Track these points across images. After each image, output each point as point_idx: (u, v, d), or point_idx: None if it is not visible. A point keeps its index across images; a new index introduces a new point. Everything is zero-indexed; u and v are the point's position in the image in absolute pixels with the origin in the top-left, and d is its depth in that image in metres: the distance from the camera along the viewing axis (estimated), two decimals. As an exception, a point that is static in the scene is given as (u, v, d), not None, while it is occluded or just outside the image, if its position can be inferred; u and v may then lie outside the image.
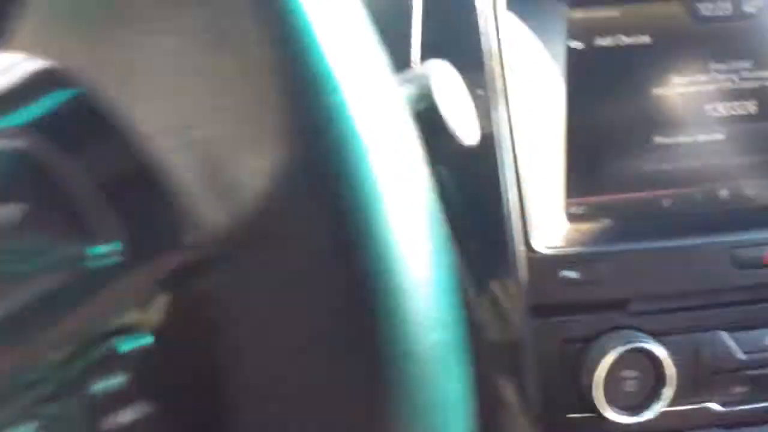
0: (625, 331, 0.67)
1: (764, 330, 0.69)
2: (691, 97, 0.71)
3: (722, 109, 0.72)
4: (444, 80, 0.41)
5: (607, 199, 0.72)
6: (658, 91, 0.71)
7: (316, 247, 0.31)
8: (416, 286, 0.30)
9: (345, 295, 0.30)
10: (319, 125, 0.30)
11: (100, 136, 0.34)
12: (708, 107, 0.72)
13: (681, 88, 0.71)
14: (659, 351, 0.66)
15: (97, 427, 0.34)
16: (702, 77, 0.71)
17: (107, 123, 0.33)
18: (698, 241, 0.68)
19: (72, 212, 0.33)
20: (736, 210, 0.73)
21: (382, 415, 0.30)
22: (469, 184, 0.66)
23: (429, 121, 0.40)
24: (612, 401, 0.65)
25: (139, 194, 0.34)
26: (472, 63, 0.64)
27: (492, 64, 0.64)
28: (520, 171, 0.65)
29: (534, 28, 0.66)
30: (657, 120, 0.71)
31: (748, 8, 0.70)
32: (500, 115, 0.64)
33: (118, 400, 0.34)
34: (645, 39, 0.70)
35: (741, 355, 0.68)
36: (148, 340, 0.35)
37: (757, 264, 0.67)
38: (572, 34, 0.68)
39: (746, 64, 0.71)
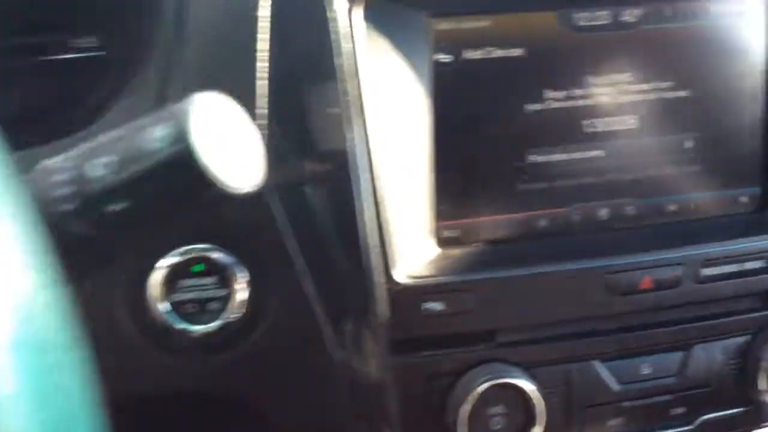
0: (493, 365, 0.63)
1: (640, 359, 0.66)
2: (566, 112, 0.67)
3: (600, 124, 0.68)
4: (209, 117, 0.35)
5: (481, 221, 0.67)
6: (532, 106, 0.66)
7: None
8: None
9: None
10: None
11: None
12: (585, 123, 0.68)
13: (557, 103, 0.67)
14: (528, 385, 0.62)
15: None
16: (579, 91, 0.67)
17: None
18: (571, 266, 0.64)
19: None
20: (615, 231, 0.69)
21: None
22: (325, 212, 0.60)
23: (182, 167, 0.34)
24: (478, 440, 0.62)
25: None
26: (325, 79, 0.59)
27: (346, 79, 0.58)
28: (381, 195, 0.60)
29: (395, 41, 0.61)
30: (531, 137, 0.67)
31: (626, 18, 0.66)
32: (356, 135, 0.59)
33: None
34: (518, 51, 0.65)
35: (616, 386, 0.65)
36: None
37: (633, 290, 0.64)
38: (438, 47, 0.63)
39: (625, 77, 0.68)
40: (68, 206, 0.36)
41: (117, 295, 0.58)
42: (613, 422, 0.65)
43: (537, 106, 0.66)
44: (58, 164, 0.37)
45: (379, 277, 0.60)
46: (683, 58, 0.68)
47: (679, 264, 0.65)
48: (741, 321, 0.67)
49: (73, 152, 0.38)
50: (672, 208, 0.71)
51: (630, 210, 0.70)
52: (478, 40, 0.64)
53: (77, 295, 0.30)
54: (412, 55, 0.62)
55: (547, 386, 0.64)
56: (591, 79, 0.67)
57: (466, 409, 0.60)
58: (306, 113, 0.59)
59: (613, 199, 0.70)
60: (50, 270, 0.28)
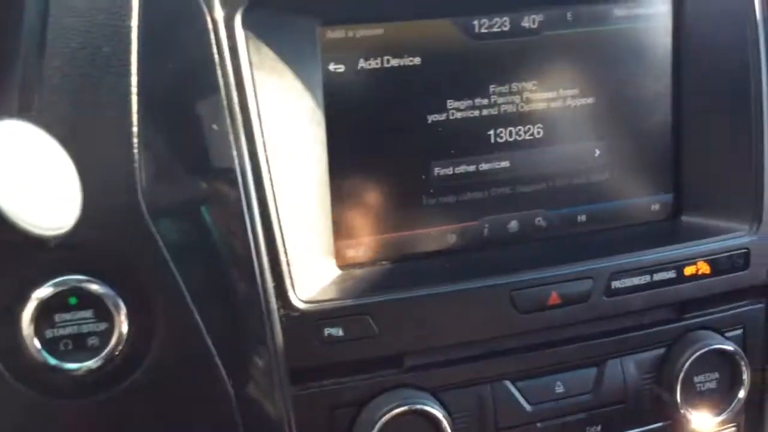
0: (400, 391, 0.60)
1: (553, 377, 0.63)
2: (471, 122, 0.64)
3: (506, 134, 0.66)
4: (5, 151, 0.31)
5: (385, 238, 0.64)
6: (434, 117, 0.63)
7: None
8: None
9: None
10: None
11: None
12: (490, 133, 0.65)
13: (459, 113, 0.64)
14: (437, 411, 0.59)
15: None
16: (482, 100, 0.64)
17: None
18: (477, 284, 0.61)
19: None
20: (525, 244, 0.67)
21: None
22: (213, 235, 0.56)
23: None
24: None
25: None
26: (205, 92, 0.55)
27: (229, 92, 0.54)
28: (273, 214, 0.56)
29: (282, 51, 0.57)
30: (436, 149, 0.64)
31: (527, 24, 0.64)
32: (243, 151, 0.55)
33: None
34: (415, 60, 0.62)
35: (528, 407, 0.63)
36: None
37: (540, 306, 0.61)
38: (330, 57, 0.60)
39: (529, 85, 0.65)
40: None
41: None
42: (528, 444, 0.62)
43: (439, 117, 0.64)
44: None
45: (274, 303, 0.57)
46: (588, 64, 0.66)
47: (587, 278, 0.62)
48: (654, 334, 0.65)
49: None
50: (582, 218, 0.69)
51: (540, 222, 0.68)
52: (373, 49, 0.61)
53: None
54: (301, 65, 0.58)
55: (458, 410, 0.61)
56: (495, 88, 0.64)
57: (374, 435, 0.57)
58: (187, 130, 0.54)
59: (522, 211, 0.67)
60: None
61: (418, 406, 0.58)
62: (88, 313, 0.54)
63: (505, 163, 0.66)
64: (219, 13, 0.54)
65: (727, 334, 0.66)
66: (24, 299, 0.52)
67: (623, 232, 0.69)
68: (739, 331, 0.67)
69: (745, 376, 0.65)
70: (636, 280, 0.64)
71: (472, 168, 0.65)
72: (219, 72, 0.54)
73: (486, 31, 0.63)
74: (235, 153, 0.55)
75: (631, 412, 0.65)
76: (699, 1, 0.67)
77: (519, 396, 0.62)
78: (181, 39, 0.54)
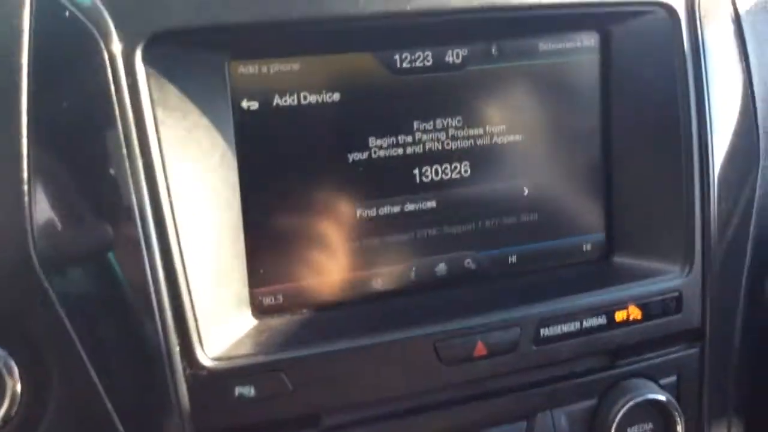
0: (318, 453, 0.55)
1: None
2: (394, 161, 0.61)
3: (431, 173, 0.62)
4: None
5: (306, 284, 0.60)
6: (356, 155, 0.60)
7: None
8: None
9: None
10: None
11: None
12: (415, 171, 0.62)
13: (382, 152, 0.61)
14: (357, 473, 0.55)
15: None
16: (406, 138, 0.61)
17: None
18: (399, 335, 0.57)
19: None
20: (453, 288, 0.64)
21: None
22: (113, 286, 0.51)
23: None
24: None
25: None
26: (101, 134, 0.50)
27: (125, 133, 0.50)
28: (176, 264, 0.52)
29: (188, 87, 0.53)
30: (357, 190, 0.60)
31: (450, 59, 0.61)
32: (141, 198, 0.50)
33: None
34: (334, 96, 0.58)
35: (457, 463, 0.59)
36: None
37: (466, 357, 0.58)
38: (242, 93, 0.56)
39: (455, 122, 0.62)
40: None
41: None
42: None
43: (361, 156, 0.60)
44: None
45: (179, 362, 0.52)
46: (515, 100, 0.64)
47: (515, 326, 0.59)
48: (585, 383, 0.62)
49: None
50: (513, 259, 0.66)
51: (469, 264, 0.65)
52: (289, 84, 0.57)
53: None
54: (210, 102, 0.54)
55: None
56: (419, 125, 0.61)
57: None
58: (83, 174, 0.50)
59: (450, 253, 0.64)
60: None
61: (337, 469, 0.54)
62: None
63: (431, 204, 0.63)
64: (117, 48, 0.50)
65: (661, 382, 0.64)
66: None
67: (554, 274, 0.66)
68: (673, 378, 0.65)
69: (680, 427, 0.63)
70: (565, 328, 0.61)
71: (397, 209, 0.62)
72: (117, 111, 0.50)
73: (408, 65, 0.60)
74: (134, 199, 0.50)
75: (564, 465, 0.62)
76: (626, 34, 0.65)
77: (447, 453, 0.59)
78: (76, 76, 0.50)
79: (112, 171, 0.50)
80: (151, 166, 0.51)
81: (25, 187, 0.48)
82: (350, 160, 0.60)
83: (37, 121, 0.49)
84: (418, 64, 0.60)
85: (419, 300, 0.62)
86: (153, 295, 0.51)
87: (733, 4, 0.68)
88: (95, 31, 0.49)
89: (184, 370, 0.52)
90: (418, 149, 0.62)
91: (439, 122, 0.62)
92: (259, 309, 0.58)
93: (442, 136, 0.62)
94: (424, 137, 0.62)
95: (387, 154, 0.61)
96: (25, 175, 0.48)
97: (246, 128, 0.56)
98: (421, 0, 0.56)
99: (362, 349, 0.56)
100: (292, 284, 0.60)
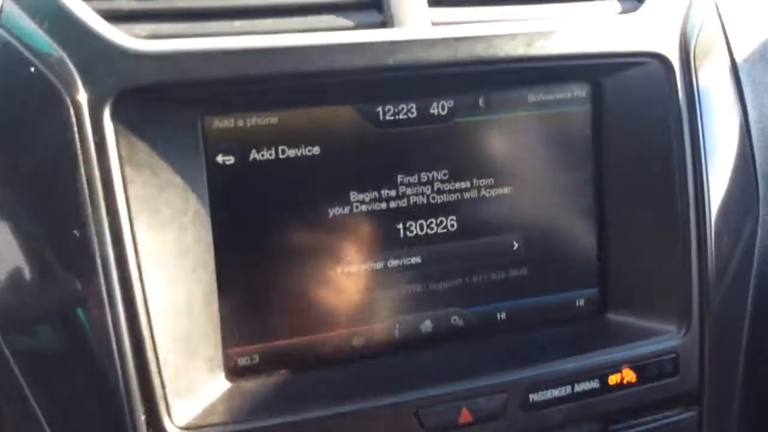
0: None
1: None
2: (377, 216, 0.59)
3: (416, 227, 0.60)
4: None
5: (284, 344, 0.58)
6: (337, 210, 0.58)
7: None
8: None
9: None
10: None
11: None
12: (399, 226, 0.60)
13: (364, 206, 0.58)
14: None
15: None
16: (389, 192, 0.59)
17: None
18: (380, 401, 0.55)
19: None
20: (439, 347, 0.61)
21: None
22: (75, 351, 0.49)
23: None
24: None
25: None
26: (65, 193, 0.48)
27: (90, 193, 0.48)
28: (142, 329, 0.49)
29: (158, 143, 0.51)
30: (339, 245, 0.58)
31: (435, 111, 0.59)
32: (107, 259, 0.48)
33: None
34: (314, 149, 0.57)
35: None
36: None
37: (450, 425, 0.55)
38: (218, 147, 0.54)
39: (440, 175, 0.60)
40: None
41: None
42: None
43: (342, 211, 0.58)
44: None
45: (143, 429, 0.49)
46: (503, 152, 0.62)
47: (501, 391, 0.57)
48: (576, 451, 0.60)
49: None
50: (502, 316, 0.64)
51: (456, 321, 0.63)
52: (267, 138, 0.55)
53: None
54: (182, 159, 0.52)
55: None
56: (402, 178, 0.59)
57: None
58: (45, 235, 0.48)
59: (437, 309, 0.62)
60: None
61: None
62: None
63: (416, 259, 0.61)
64: (84, 105, 0.48)
65: (657, 449, 0.61)
66: None
67: (545, 333, 0.64)
68: (670, 444, 0.62)
69: (676, 497, 0.60)
70: (556, 392, 0.58)
71: (380, 265, 0.60)
72: (83, 171, 0.48)
73: (392, 118, 0.58)
74: (99, 260, 0.48)
75: None
76: (618, 85, 0.63)
77: None
78: (41, 133, 0.48)
79: (76, 232, 0.48)
80: (118, 226, 0.48)
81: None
82: (331, 215, 0.58)
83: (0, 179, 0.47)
84: (401, 116, 0.59)
85: (402, 360, 0.60)
86: (117, 362, 0.49)
87: (730, 52, 0.67)
88: (61, 88, 0.47)
89: (150, 438, 0.50)
90: (402, 203, 0.60)
91: (424, 175, 0.60)
92: (233, 371, 0.56)
93: (427, 189, 0.60)
94: (409, 191, 0.60)
95: (369, 209, 0.59)
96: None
97: (221, 184, 0.54)
98: (403, 54, 0.54)
99: (341, 416, 0.53)
100: (269, 344, 0.57)
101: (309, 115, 0.56)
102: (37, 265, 0.48)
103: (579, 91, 0.63)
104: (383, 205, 0.59)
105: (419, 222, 0.60)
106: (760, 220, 0.67)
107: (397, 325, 0.61)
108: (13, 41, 0.48)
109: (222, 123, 0.54)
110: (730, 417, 0.67)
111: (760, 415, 0.71)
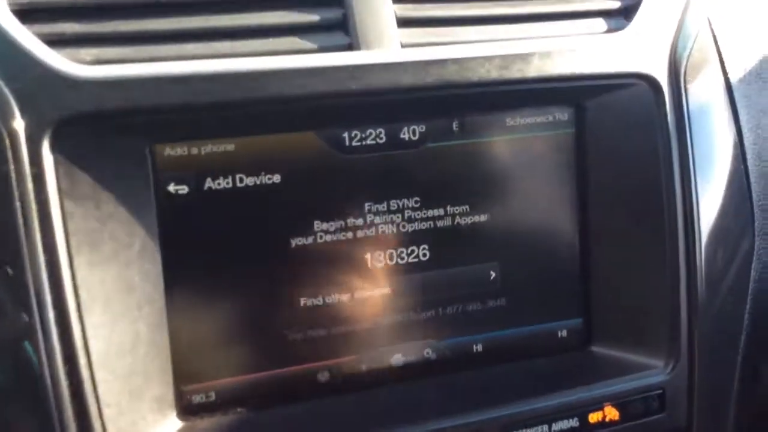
0: None
1: None
2: (343, 246, 0.56)
3: (385, 257, 0.57)
4: None
5: (241, 380, 0.55)
6: (299, 240, 0.55)
7: None
8: None
9: None
10: None
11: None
12: (366, 257, 0.57)
13: (328, 236, 0.55)
14: None
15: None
16: (355, 221, 0.56)
17: None
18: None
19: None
20: (407, 382, 0.58)
21: None
22: (11, 405, 0.46)
23: None
24: None
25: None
26: (1, 226, 0.46)
27: (26, 229, 0.45)
28: (80, 366, 0.47)
29: (102, 174, 0.48)
30: (300, 277, 0.55)
31: (406, 136, 0.56)
32: (43, 301, 0.46)
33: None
34: (274, 177, 0.54)
35: None
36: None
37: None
38: (170, 176, 0.51)
39: (411, 203, 0.57)
40: None
41: None
42: None
43: (305, 241, 0.55)
44: None
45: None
46: (479, 178, 0.58)
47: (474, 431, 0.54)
48: (551, 499, 0.56)
49: None
50: (479, 348, 0.61)
51: (429, 354, 0.60)
52: (223, 166, 0.52)
53: None
54: (128, 190, 0.49)
55: None
56: (370, 206, 0.56)
57: None
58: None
59: (408, 341, 0.59)
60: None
61: None
62: None
63: (385, 290, 0.58)
64: (21, 134, 0.45)
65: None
66: None
67: (524, 366, 0.60)
68: (659, 488, 0.59)
69: None
70: (532, 432, 0.55)
71: (345, 297, 0.57)
72: (18, 205, 0.45)
73: (358, 144, 0.55)
74: (34, 299, 0.45)
75: None
76: (603, 107, 0.59)
77: None
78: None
79: (9, 271, 0.45)
80: (55, 263, 0.46)
81: None
82: (293, 245, 0.55)
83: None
84: (369, 141, 0.55)
85: (370, 397, 0.57)
86: (53, 405, 0.46)
87: (724, 72, 0.63)
88: (-4, 116, 0.45)
89: (91, 489, 0.47)
90: (370, 232, 0.57)
91: (393, 203, 0.57)
92: (186, 409, 0.53)
93: (397, 218, 0.57)
94: (377, 220, 0.57)
95: (335, 239, 0.56)
96: None
97: (173, 215, 0.51)
98: (370, 79, 0.51)
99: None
100: (226, 380, 0.55)
101: (268, 142, 0.53)
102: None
103: (561, 114, 0.60)
104: (349, 235, 0.56)
105: (388, 252, 0.57)
106: (756, 250, 0.63)
107: (365, 359, 0.58)
108: (-53, 67, 0.45)
109: (174, 151, 0.51)
110: (722, 452, 0.64)
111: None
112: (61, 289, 0.46)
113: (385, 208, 0.57)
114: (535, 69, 0.55)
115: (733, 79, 0.62)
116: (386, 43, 0.53)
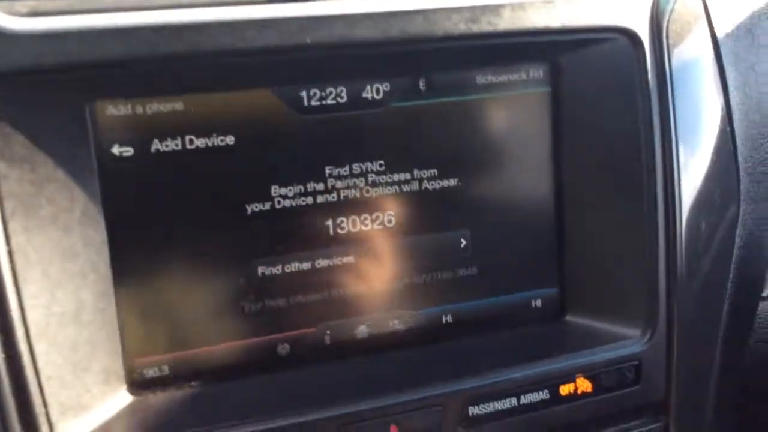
0: None
1: None
2: (302, 212, 0.53)
3: (348, 224, 0.54)
4: None
5: (197, 353, 0.52)
6: (255, 206, 0.52)
7: None
8: None
9: None
10: None
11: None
12: (329, 223, 0.54)
13: (287, 201, 0.52)
14: None
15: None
16: (316, 185, 0.53)
17: None
18: (300, 417, 0.49)
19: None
20: (372, 355, 0.56)
21: None
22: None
23: None
24: None
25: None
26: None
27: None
28: (18, 339, 0.44)
29: (37, 135, 0.45)
30: (257, 245, 0.52)
31: (369, 95, 0.53)
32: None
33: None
34: (227, 139, 0.50)
35: None
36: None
37: (380, 441, 0.50)
38: (112, 137, 0.48)
39: (375, 166, 0.54)
40: None
41: None
42: None
43: (262, 207, 0.52)
44: None
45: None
46: (448, 141, 0.55)
47: (435, 405, 0.51)
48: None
49: None
50: (448, 319, 0.58)
51: (396, 324, 0.57)
52: (171, 127, 0.49)
53: None
54: (67, 150, 0.46)
55: None
56: (332, 170, 0.53)
57: None
58: None
59: (374, 313, 0.56)
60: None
61: None
62: None
63: (348, 258, 0.55)
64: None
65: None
66: None
67: (494, 339, 0.58)
68: (634, 463, 0.57)
69: None
70: (499, 405, 0.53)
71: (306, 266, 0.54)
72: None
73: (317, 103, 0.52)
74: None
75: None
76: (580, 64, 0.56)
77: None
78: None
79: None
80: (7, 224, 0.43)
81: None
82: (249, 211, 0.52)
83: None
84: (329, 101, 0.52)
85: (332, 370, 0.54)
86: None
87: (710, 26, 0.59)
88: None
89: (34, 464, 0.45)
90: (332, 198, 0.54)
91: (356, 167, 0.54)
92: (138, 383, 0.51)
93: (361, 182, 0.54)
94: (339, 184, 0.53)
95: (293, 204, 0.53)
96: None
97: (116, 178, 0.48)
98: (323, 31, 0.47)
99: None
100: (180, 353, 0.52)
101: (220, 101, 0.50)
102: None
103: (535, 72, 0.56)
104: (309, 200, 0.53)
105: (351, 218, 0.54)
106: (741, 215, 0.60)
107: (328, 331, 0.55)
108: None
109: (117, 110, 0.48)
110: (701, 428, 0.62)
111: (739, 426, 0.65)
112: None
113: (348, 172, 0.54)
114: (506, 21, 0.51)
115: (720, 34, 0.59)
116: (343, -7, 0.49)
